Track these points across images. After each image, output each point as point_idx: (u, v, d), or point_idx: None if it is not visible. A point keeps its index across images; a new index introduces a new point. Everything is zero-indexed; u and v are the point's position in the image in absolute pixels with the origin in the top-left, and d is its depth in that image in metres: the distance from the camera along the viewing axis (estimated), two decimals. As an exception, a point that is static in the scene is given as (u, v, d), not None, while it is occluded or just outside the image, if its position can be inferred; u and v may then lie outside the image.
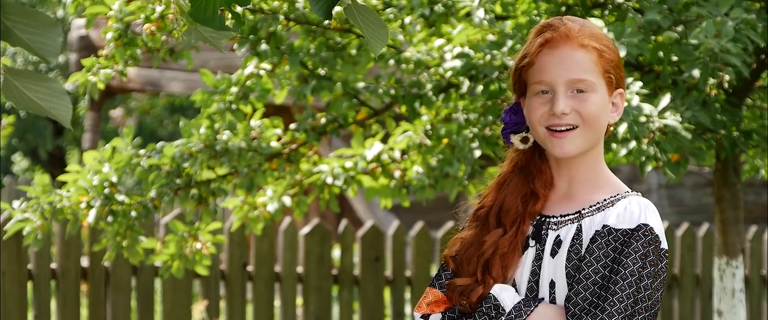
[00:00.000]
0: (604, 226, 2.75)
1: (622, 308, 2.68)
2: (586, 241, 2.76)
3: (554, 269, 2.78)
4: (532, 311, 2.75)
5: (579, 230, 2.78)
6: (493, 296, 2.78)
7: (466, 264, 2.86)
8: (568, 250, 2.77)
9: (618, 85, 2.84)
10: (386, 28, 2.33)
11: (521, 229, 2.84)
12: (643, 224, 2.74)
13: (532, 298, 2.78)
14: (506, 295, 2.78)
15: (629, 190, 2.84)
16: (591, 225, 2.77)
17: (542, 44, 2.81)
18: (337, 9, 4.34)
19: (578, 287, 2.72)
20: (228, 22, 2.38)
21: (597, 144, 2.83)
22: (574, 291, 2.72)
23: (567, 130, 2.78)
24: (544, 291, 2.78)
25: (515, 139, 2.89)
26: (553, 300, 2.77)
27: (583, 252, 2.76)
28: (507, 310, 2.76)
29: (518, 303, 2.76)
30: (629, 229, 2.74)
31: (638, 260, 2.71)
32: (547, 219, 2.83)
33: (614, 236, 2.74)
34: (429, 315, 2.86)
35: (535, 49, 2.81)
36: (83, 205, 5.48)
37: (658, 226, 2.76)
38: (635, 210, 2.75)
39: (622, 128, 4.53)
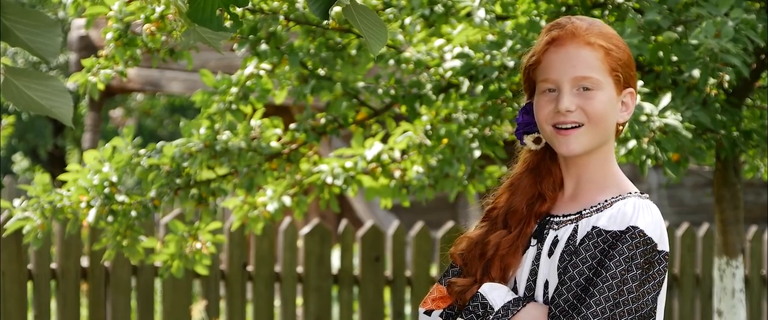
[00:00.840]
0: (594, 228, 2.72)
1: (599, 311, 2.64)
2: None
3: (549, 269, 2.76)
4: (518, 310, 2.73)
5: (575, 231, 2.76)
6: (481, 295, 2.77)
7: (469, 264, 2.85)
8: (562, 251, 2.75)
9: (628, 84, 2.80)
10: (385, 28, 2.32)
11: (525, 230, 2.82)
12: (631, 226, 2.69)
13: (522, 297, 2.76)
14: (496, 294, 2.76)
15: (635, 191, 2.79)
16: (587, 227, 2.74)
17: (549, 42, 2.79)
18: (337, 9, 4.34)
19: (562, 288, 2.70)
20: (226, 23, 2.38)
21: (605, 143, 2.79)
22: (557, 292, 2.70)
23: (573, 127, 2.75)
24: (539, 291, 2.77)
25: (528, 140, 2.87)
26: (547, 300, 2.75)
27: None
28: (495, 309, 2.74)
29: (508, 301, 2.74)
30: (618, 231, 2.70)
31: (622, 262, 2.67)
32: (551, 219, 2.82)
33: (603, 238, 2.71)
34: (432, 310, 2.86)
35: (542, 47, 2.80)
36: (83, 205, 5.48)
37: (653, 228, 2.71)
38: (628, 212, 2.72)
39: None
